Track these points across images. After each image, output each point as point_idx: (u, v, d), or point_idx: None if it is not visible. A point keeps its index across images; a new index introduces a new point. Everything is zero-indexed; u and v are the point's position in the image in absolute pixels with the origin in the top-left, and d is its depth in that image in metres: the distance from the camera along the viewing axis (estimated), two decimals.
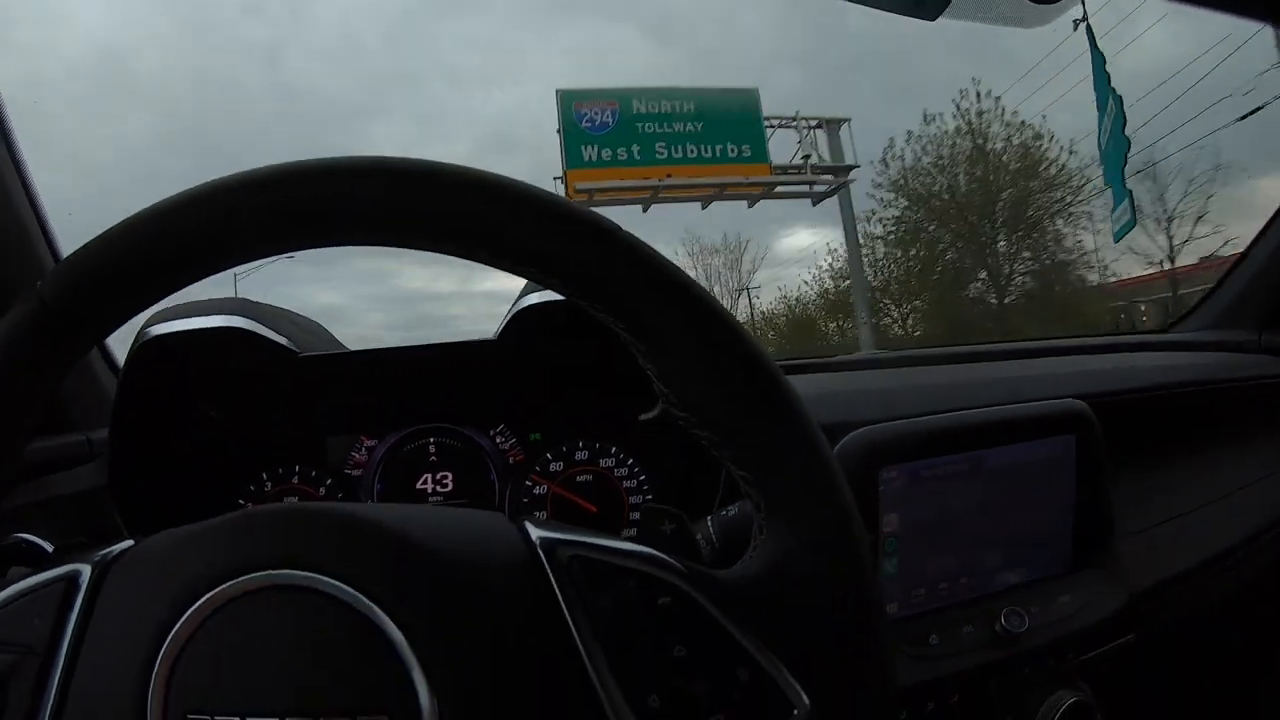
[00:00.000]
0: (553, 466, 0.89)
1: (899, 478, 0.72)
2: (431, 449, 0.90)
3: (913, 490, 0.73)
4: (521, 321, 0.81)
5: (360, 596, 0.38)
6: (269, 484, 0.90)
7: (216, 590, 0.37)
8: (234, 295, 0.85)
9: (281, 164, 0.41)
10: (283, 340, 0.81)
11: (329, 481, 0.90)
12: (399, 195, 0.40)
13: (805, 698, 0.40)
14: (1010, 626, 0.74)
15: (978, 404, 0.79)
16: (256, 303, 0.83)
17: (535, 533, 0.43)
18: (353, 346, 0.90)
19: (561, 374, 0.89)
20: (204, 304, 0.80)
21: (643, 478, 0.90)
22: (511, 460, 0.89)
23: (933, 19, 0.75)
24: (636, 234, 0.43)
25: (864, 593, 0.42)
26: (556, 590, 0.40)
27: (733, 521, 0.63)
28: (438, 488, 0.89)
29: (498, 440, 0.89)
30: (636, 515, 0.88)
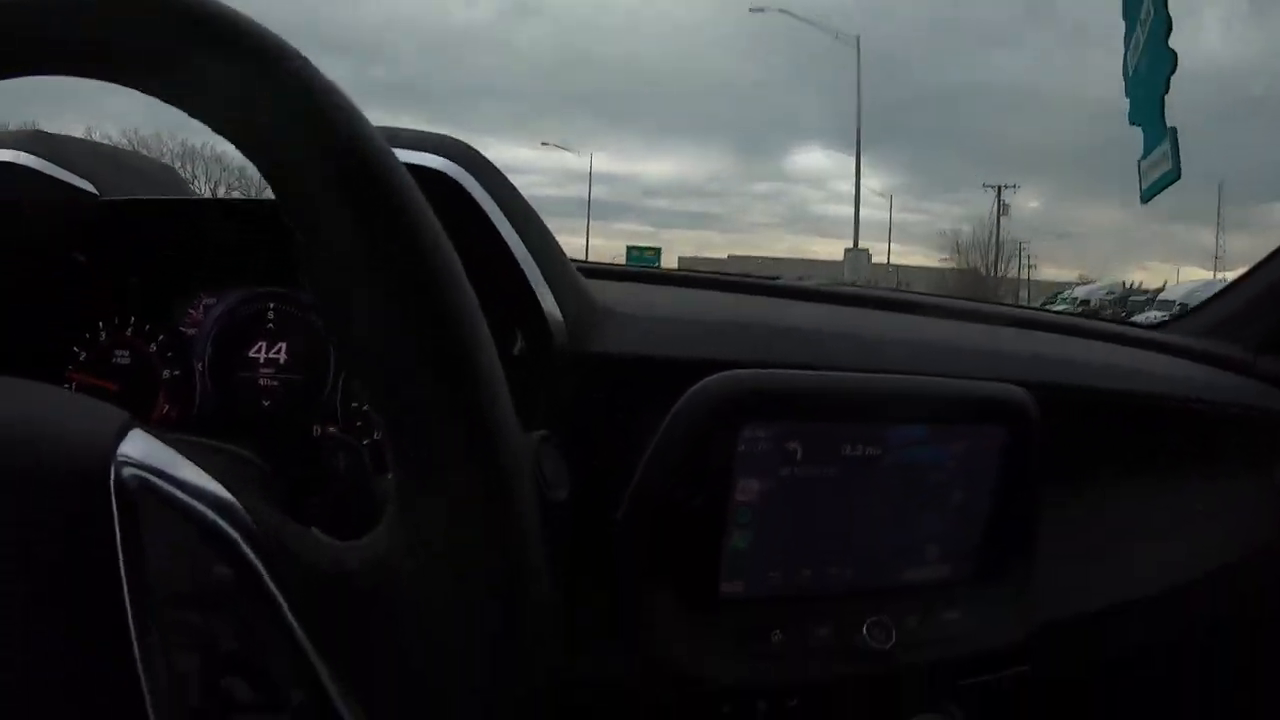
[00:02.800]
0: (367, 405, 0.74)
1: (766, 439, 0.57)
2: (270, 314, 0.76)
3: (783, 456, 0.58)
4: None
5: None
6: (104, 334, 0.78)
7: None
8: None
9: None
10: (79, 181, 0.66)
11: (161, 338, 0.78)
12: None
13: None
14: (872, 640, 0.59)
15: (891, 365, 0.63)
16: (54, 136, 0.69)
17: (126, 444, 0.30)
18: None
19: None
20: None
21: None
22: None
23: None
24: None
25: (512, 642, 0.30)
26: (115, 523, 0.28)
27: None
28: (270, 358, 0.76)
29: None
30: None
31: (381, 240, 0.30)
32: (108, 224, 0.72)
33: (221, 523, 0.30)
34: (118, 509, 0.29)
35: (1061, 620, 0.72)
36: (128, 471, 0.29)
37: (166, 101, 0.31)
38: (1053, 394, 0.70)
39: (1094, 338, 0.86)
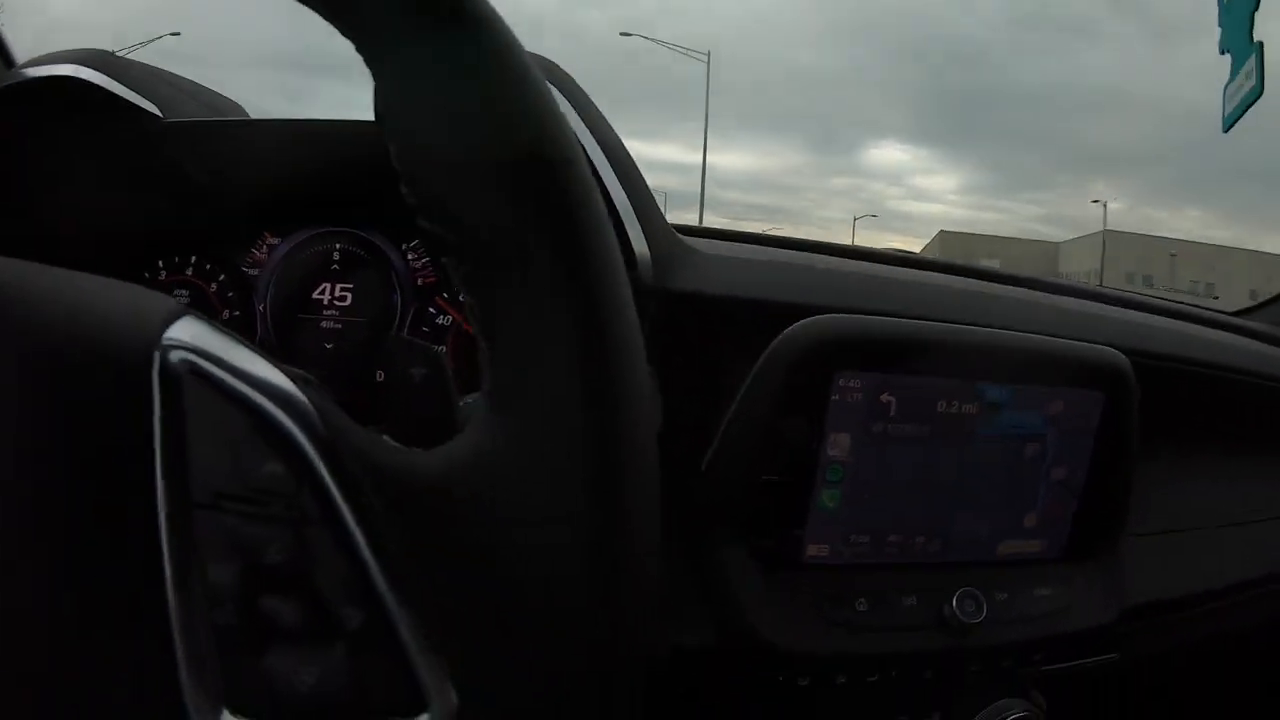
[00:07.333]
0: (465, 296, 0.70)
1: (860, 389, 0.51)
2: (336, 255, 0.72)
3: (877, 410, 0.52)
4: None
5: None
6: (164, 273, 0.74)
7: None
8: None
9: None
10: (142, 102, 0.62)
11: (222, 277, 0.74)
12: None
13: (448, 699, 0.23)
14: (961, 613, 0.54)
15: (988, 322, 0.57)
16: (122, 58, 0.66)
17: (176, 328, 0.25)
18: None
19: None
20: (61, 54, 0.63)
21: None
22: (420, 281, 0.71)
23: None
24: None
25: (611, 559, 0.25)
26: (155, 409, 0.24)
27: None
28: (335, 300, 0.72)
29: (409, 257, 0.71)
30: None
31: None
32: (169, 146, 0.68)
33: (280, 414, 0.25)
34: (159, 393, 0.24)
35: (1152, 604, 0.66)
36: (175, 355, 0.24)
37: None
38: (1150, 362, 0.64)
39: (1181, 319, 0.79)
